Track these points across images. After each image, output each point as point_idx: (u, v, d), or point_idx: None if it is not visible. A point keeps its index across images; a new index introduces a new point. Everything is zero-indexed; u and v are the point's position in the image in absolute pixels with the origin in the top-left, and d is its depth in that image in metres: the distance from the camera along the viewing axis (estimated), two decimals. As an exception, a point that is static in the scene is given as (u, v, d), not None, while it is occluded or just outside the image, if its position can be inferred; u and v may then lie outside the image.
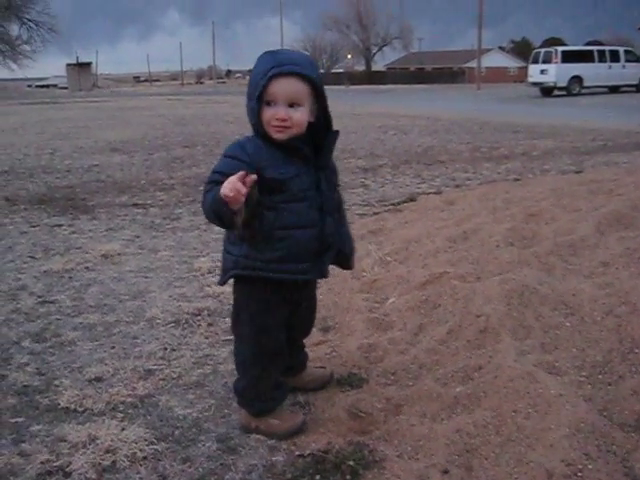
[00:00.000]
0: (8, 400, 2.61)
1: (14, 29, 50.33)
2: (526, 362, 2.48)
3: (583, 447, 1.99)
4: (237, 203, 1.93)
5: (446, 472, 2.01)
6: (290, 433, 2.29)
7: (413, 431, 2.24)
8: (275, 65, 2.05)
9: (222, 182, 1.96)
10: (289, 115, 2.09)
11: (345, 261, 2.44)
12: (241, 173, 1.93)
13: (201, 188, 7.61)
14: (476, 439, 2.13)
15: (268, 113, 2.09)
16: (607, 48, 31.16)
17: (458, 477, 1.98)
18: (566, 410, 2.14)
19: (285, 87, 2.07)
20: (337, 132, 2.23)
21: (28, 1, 49.67)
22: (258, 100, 2.08)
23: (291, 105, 2.09)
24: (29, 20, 50.03)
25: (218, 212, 2.01)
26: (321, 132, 2.20)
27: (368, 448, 2.16)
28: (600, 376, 2.43)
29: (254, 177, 1.95)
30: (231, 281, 2.32)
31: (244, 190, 1.91)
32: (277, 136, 2.11)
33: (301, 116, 2.11)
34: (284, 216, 2.13)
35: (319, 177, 2.19)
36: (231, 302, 2.40)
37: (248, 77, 2.24)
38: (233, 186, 1.90)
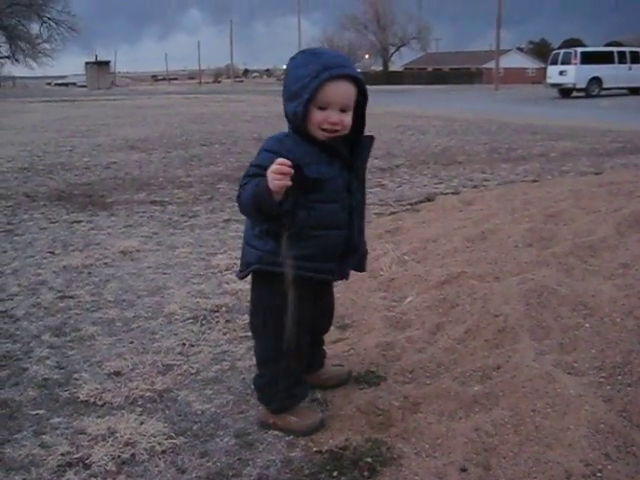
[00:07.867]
0: (29, 392, 2.64)
1: (34, 28, 50.86)
2: (545, 362, 2.47)
3: (602, 447, 1.98)
4: (281, 189, 1.95)
5: (464, 470, 2.01)
6: (308, 430, 2.29)
7: (431, 429, 2.23)
8: (326, 67, 2.02)
9: (261, 175, 1.98)
10: (341, 119, 2.08)
11: (361, 263, 2.43)
12: (284, 160, 1.93)
13: (219, 186, 7.64)
14: (494, 438, 2.12)
15: (319, 117, 2.07)
16: (627, 49, 30.81)
17: (476, 475, 1.98)
18: (585, 410, 2.13)
19: (340, 91, 2.06)
20: (373, 137, 2.22)
21: (49, 0, 50.10)
22: (307, 103, 2.04)
23: (342, 110, 2.09)
24: (49, 19, 50.52)
25: (259, 201, 2.01)
26: (353, 133, 2.18)
27: (386, 445, 2.16)
28: (620, 377, 2.41)
29: (291, 171, 1.95)
30: (249, 278, 2.32)
31: (288, 178, 1.92)
32: (324, 138, 2.10)
33: (349, 120, 2.11)
34: (317, 216, 2.13)
35: (351, 179, 2.18)
36: (249, 299, 2.40)
37: (283, 77, 2.16)
38: (280, 170, 1.92)
